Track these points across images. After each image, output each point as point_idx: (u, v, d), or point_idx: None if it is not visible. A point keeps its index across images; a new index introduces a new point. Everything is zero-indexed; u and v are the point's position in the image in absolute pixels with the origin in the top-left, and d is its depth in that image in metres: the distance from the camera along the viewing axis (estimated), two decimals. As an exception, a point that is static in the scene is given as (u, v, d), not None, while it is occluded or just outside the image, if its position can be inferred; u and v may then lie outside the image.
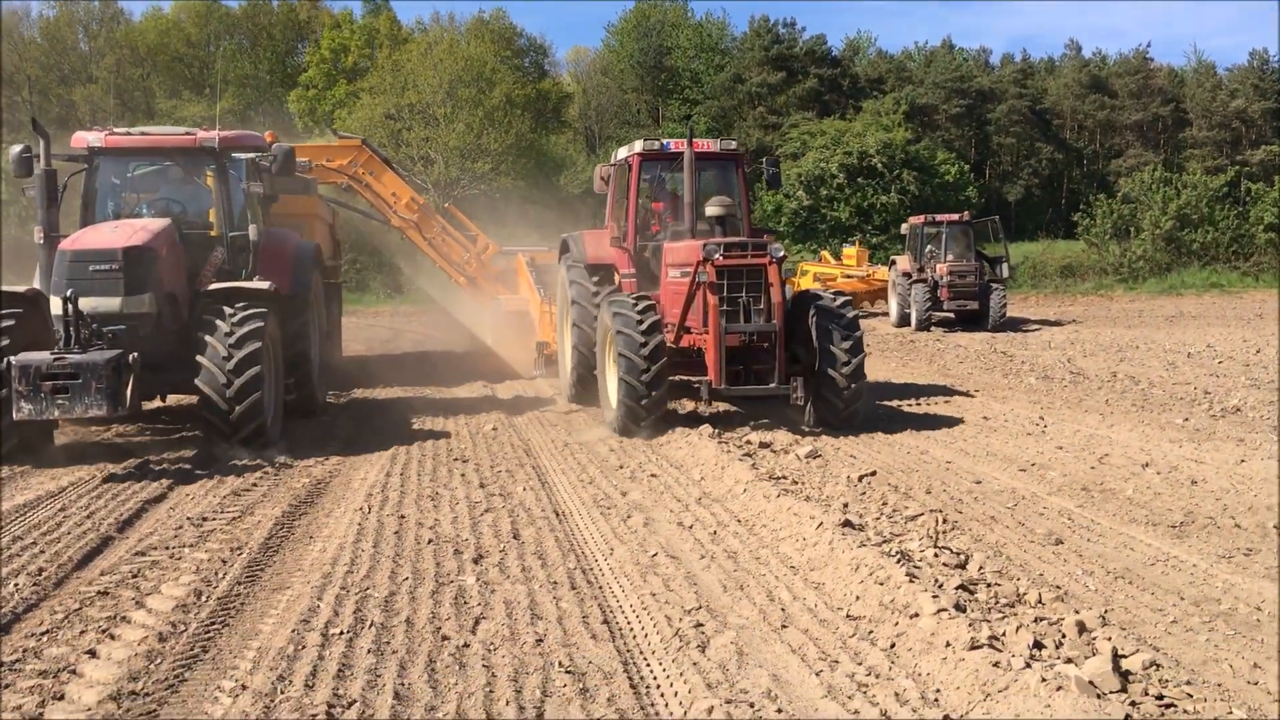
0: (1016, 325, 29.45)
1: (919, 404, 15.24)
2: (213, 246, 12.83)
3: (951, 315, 28.77)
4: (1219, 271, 43.76)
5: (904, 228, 30.37)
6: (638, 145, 14.16)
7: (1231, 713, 4.96)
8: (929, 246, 28.86)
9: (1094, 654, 5.55)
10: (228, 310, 11.51)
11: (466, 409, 15.30)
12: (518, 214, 38.42)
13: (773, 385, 12.21)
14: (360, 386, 18.11)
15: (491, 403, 16.07)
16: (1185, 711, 4.97)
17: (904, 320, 28.94)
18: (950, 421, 13.62)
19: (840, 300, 13.16)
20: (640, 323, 12.24)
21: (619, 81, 67.95)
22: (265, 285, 12.18)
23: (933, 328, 28.26)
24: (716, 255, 12.05)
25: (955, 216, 29.29)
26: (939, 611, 6.05)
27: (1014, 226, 61.77)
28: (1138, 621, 6.29)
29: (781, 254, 12.46)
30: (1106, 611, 6.46)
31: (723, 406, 14.32)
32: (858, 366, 12.50)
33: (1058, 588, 6.91)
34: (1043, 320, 31.10)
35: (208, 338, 11.29)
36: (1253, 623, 6.26)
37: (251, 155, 13.09)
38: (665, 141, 14.13)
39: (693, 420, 13.16)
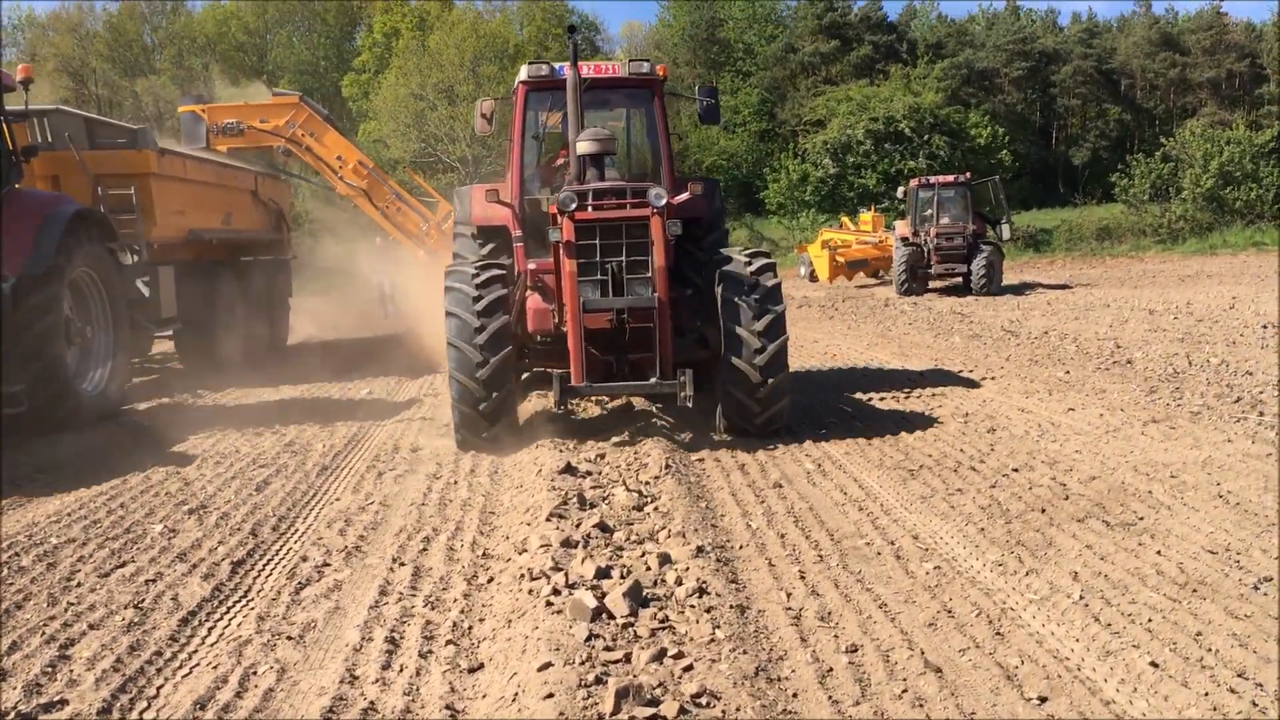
0: (1023, 289, 28.72)
1: (820, 363, 15.06)
2: None
3: (959, 280, 28.17)
4: (1263, 229, 42.06)
5: (900, 191, 29.75)
6: (523, 72, 10.84)
7: (716, 631, 4.90)
8: (926, 210, 28.27)
9: (654, 582, 5.54)
10: None
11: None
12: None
13: (653, 381, 9.18)
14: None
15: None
16: (672, 631, 4.96)
17: (904, 285, 28.37)
18: (827, 376, 13.43)
19: (754, 262, 9.81)
20: (477, 299, 9.40)
21: (671, 55, 67.73)
22: None
23: (929, 293, 27.71)
24: (572, 206, 9.16)
25: (950, 178, 28.60)
26: (542, 547, 6.11)
27: (1080, 189, 60.11)
28: (752, 555, 6.23)
29: (663, 201, 9.15)
30: (740, 547, 6.42)
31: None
32: (775, 353, 9.33)
33: (715, 526, 6.87)
34: (1055, 285, 30.27)
35: None
36: (871, 555, 6.16)
37: None
38: (558, 66, 10.62)
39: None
